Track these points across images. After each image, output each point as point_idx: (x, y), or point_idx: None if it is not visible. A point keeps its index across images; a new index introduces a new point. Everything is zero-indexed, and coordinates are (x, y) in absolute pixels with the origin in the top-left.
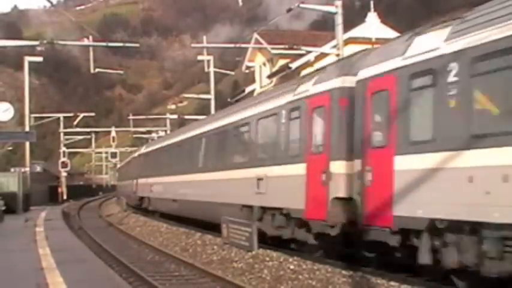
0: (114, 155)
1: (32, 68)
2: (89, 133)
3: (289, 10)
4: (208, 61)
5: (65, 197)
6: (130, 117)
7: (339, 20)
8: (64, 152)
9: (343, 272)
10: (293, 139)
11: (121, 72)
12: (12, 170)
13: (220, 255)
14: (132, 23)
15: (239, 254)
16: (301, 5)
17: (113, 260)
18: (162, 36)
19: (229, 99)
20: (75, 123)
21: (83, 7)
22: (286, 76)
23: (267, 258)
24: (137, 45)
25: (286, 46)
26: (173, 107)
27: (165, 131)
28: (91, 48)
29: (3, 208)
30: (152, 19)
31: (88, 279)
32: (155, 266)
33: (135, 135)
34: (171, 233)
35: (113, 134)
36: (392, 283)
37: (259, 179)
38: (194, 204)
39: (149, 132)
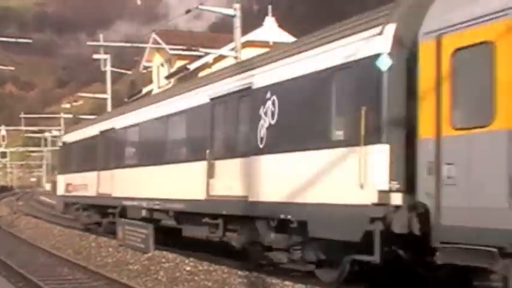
0: (3, 154)
1: None
2: None
3: (188, 11)
4: (105, 60)
5: None
6: (22, 115)
7: (237, 22)
8: None
9: (239, 272)
10: None
11: (12, 68)
12: None
13: (116, 258)
14: (25, 17)
15: (135, 256)
16: (200, 7)
17: (0, 265)
18: (57, 33)
19: (126, 99)
20: None
21: None
22: (184, 77)
23: (163, 260)
24: (30, 40)
25: (185, 47)
26: (68, 106)
27: (59, 130)
28: None
29: None
30: (46, 15)
31: None
32: (47, 270)
33: (26, 135)
34: (64, 235)
35: (3, 133)
36: (286, 282)
37: None
38: None
39: (42, 131)
